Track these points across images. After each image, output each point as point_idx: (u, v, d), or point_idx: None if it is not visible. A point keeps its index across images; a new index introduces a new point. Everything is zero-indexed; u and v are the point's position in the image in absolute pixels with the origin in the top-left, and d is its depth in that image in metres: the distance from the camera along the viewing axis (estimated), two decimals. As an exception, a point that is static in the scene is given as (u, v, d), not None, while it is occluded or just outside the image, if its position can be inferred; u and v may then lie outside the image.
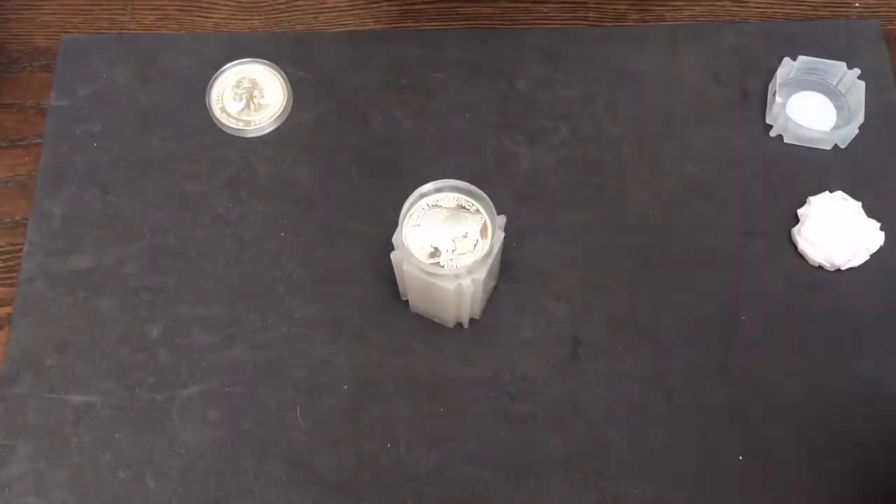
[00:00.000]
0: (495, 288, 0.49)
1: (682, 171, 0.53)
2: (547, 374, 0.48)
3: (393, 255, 0.44)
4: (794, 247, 0.50)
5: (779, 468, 0.46)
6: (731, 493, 0.45)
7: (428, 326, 0.49)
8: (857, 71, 0.53)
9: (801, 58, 0.54)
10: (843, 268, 0.50)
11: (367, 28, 0.58)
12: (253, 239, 0.51)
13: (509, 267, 0.50)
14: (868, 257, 0.50)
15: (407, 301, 0.49)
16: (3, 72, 0.56)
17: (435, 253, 0.43)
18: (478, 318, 0.49)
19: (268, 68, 0.55)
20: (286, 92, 0.55)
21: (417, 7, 0.58)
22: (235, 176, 0.53)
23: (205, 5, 0.58)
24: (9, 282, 0.50)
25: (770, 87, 0.55)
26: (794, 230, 0.51)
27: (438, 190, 0.44)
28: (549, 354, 0.48)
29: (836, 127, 0.54)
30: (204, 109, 0.54)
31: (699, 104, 0.55)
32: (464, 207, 0.44)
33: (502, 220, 0.43)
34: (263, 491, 0.45)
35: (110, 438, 0.46)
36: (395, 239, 0.43)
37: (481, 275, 0.43)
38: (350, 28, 0.58)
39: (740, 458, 0.46)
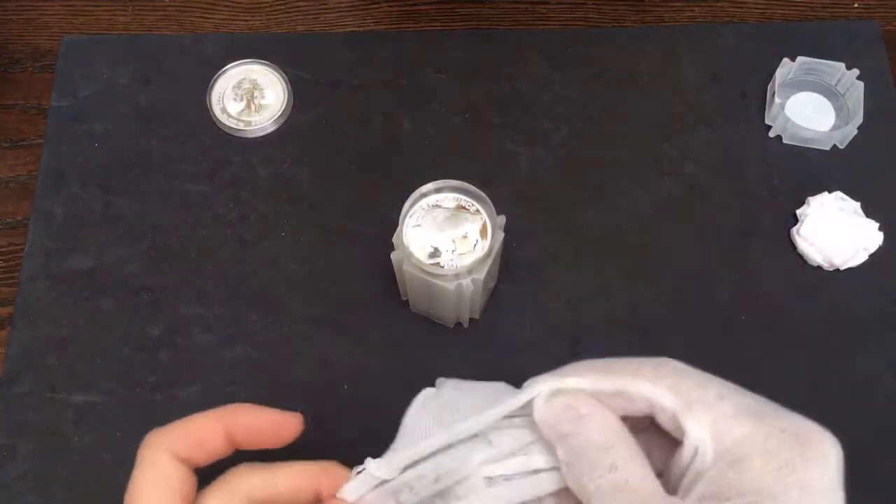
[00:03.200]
0: (495, 288, 0.49)
1: (681, 171, 0.53)
2: (547, 374, 0.48)
3: (393, 255, 0.44)
4: (794, 247, 0.51)
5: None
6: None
7: (428, 326, 0.49)
8: (855, 71, 0.53)
9: (800, 58, 0.54)
10: (841, 268, 0.50)
11: (367, 29, 0.58)
12: (253, 239, 0.51)
13: (509, 267, 0.50)
14: (867, 257, 0.50)
15: (407, 301, 0.49)
16: (4, 72, 0.56)
17: (435, 253, 0.43)
18: (478, 318, 0.49)
19: (268, 69, 0.55)
20: (286, 92, 0.55)
21: (417, 8, 0.59)
22: (236, 176, 0.53)
23: (205, 6, 0.59)
24: (10, 282, 0.50)
25: (769, 87, 0.55)
26: (794, 230, 0.51)
27: (438, 190, 0.44)
28: (549, 354, 0.48)
29: (834, 127, 0.54)
30: (204, 109, 0.54)
31: (698, 104, 0.55)
32: (464, 207, 0.44)
33: (502, 220, 0.43)
34: (264, 490, 0.45)
35: (111, 438, 0.46)
36: (395, 239, 0.43)
37: (481, 275, 0.43)
38: (350, 29, 0.58)
39: (739, 457, 0.46)
